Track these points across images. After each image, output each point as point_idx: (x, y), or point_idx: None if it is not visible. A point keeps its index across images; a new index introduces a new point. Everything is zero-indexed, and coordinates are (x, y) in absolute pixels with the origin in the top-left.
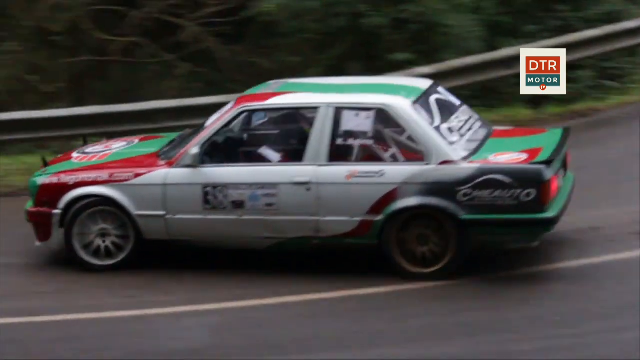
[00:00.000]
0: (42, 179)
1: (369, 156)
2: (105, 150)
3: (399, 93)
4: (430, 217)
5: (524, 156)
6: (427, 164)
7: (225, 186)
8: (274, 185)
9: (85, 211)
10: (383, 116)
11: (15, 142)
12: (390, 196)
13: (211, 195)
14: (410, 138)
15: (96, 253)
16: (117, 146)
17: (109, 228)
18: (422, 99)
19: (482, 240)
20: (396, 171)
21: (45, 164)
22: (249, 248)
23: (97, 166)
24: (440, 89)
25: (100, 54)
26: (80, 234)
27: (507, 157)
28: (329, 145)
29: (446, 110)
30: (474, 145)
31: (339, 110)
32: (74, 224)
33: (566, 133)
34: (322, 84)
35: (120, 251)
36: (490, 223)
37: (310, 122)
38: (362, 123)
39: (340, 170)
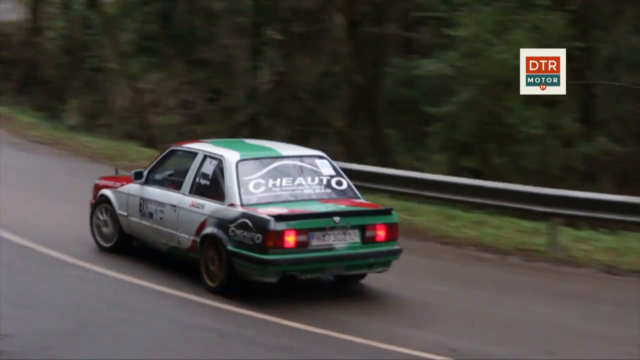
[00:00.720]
0: (96, 181)
1: (205, 192)
2: None
3: (246, 151)
4: (217, 244)
5: (282, 211)
6: (222, 204)
7: (147, 201)
8: (163, 204)
9: (98, 205)
10: (219, 165)
11: None
12: (203, 224)
13: (142, 206)
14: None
15: (102, 236)
16: None
17: (108, 220)
18: (260, 160)
19: (239, 269)
20: (209, 206)
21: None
22: (161, 250)
23: (118, 177)
24: (319, 161)
25: None
26: (96, 220)
27: (271, 209)
28: (192, 181)
29: (292, 174)
30: (277, 200)
31: (205, 157)
32: (93, 214)
33: (381, 211)
34: (241, 143)
35: (113, 238)
36: (239, 256)
37: None
38: (210, 168)
39: (189, 200)
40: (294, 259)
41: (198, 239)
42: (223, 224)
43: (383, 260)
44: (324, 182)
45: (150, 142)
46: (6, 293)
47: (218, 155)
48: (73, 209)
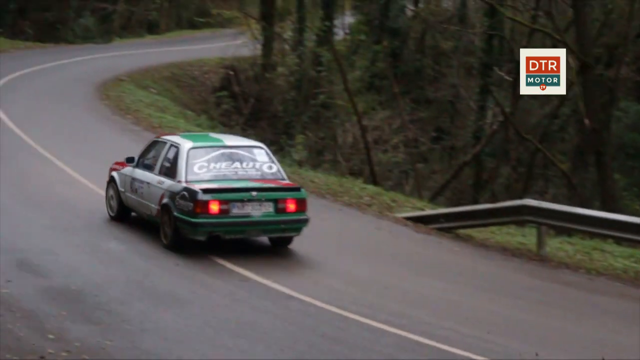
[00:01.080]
0: (111, 165)
1: (167, 172)
2: None
3: (199, 141)
4: (168, 210)
5: (210, 186)
6: (174, 181)
7: (135, 180)
8: (143, 182)
9: (109, 184)
10: (177, 151)
11: None
12: (162, 196)
13: (132, 184)
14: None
15: (111, 208)
16: None
17: (114, 195)
18: (208, 148)
19: (180, 230)
20: (167, 182)
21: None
22: (146, 219)
23: (123, 163)
24: (256, 150)
25: None
26: (108, 195)
27: (203, 185)
28: (160, 164)
29: (232, 160)
30: (216, 178)
31: (171, 145)
32: (106, 191)
33: (292, 188)
34: (204, 136)
35: (116, 209)
36: (180, 220)
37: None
38: (172, 154)
39: (157, 178)
40: (218, 222)
41: (159, 208)
42: (172, 195)
43: (293, 227)
44: (257, 166)
45: (373, 179)
46: (228, 323)
47: (177, 143)
48: (296, 241)
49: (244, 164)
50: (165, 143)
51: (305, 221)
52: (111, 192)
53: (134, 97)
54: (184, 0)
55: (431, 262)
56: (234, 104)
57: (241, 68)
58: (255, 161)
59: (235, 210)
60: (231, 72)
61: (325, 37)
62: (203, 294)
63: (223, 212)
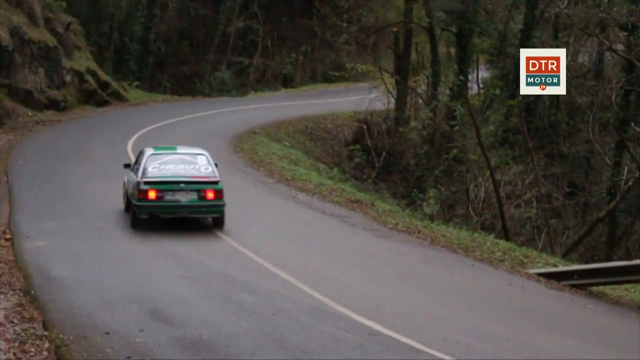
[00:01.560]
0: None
1: (136, 172)
2: None
3: (159, 150)
4: (131, 197)
5: (151, 180)
6: (137, 177)
7: (128, 180)
8: (129, 180)
9: (123, 186)
10: (142, 156)
11: None
12: (132, 188)
13: (127, 183)
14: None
15: (124, 202)
16: None
17: (124, 192)
18: (163, 154)
19: (134, 211)
20: (135, 179)
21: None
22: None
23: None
24: (199, 156)
25: None
26: (122, 194)
27: (148, 179)
28: (136, 166)
29: (178, 163)
30: (162, 174)
31: (144, 153)
32: (122, 190)
33: (212, 182)
34: (169, 147)
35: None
36: (134, 204)
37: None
38: (141, 159)
39: (134, 176)
40: (155, 205)
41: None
42: (133, 187)
43: (213, 210)
44: (196, 167)
45: (506, 235)
46: None
47: (145, 151)
48: (426, 295)
49: (187, 166)
50: (142, 152)
51: (221, 206)
52: (123, 190)
53: (267, 149)
54: (318, 55)
55: (564, 319)
56: (366, 157)
57: (374, 122)
58: (196, 164)
59: (168, 197)
60: (364, 126)
61: (459, 91)
62: (333, 347)
63: (159, 198)
